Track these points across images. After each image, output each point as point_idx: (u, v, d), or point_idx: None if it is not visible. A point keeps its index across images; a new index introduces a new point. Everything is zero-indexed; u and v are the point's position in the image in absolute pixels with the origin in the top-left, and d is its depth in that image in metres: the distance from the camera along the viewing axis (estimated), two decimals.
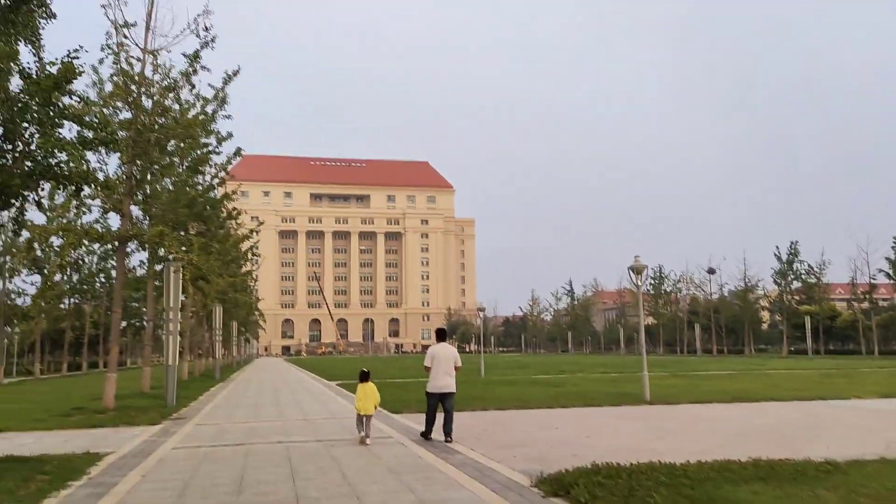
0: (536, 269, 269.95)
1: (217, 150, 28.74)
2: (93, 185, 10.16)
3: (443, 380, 11.98)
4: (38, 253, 34.12)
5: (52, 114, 8.81)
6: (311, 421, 16.12)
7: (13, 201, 9.26)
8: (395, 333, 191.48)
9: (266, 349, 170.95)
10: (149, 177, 20.34)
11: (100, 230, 17.96)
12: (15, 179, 8.67)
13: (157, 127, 17.91)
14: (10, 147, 8.86)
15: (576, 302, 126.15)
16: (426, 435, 12.15)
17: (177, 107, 19.41)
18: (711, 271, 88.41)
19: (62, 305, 55.48)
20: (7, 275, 34.53)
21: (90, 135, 9.55)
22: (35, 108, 8.57)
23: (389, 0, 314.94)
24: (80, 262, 51.57)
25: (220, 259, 26.81)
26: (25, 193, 9.25)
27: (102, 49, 17.13)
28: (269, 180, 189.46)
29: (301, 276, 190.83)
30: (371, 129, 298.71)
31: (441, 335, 12.64)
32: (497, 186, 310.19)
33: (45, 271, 34.90)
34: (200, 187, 30.10)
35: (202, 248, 19.65)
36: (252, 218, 34.37)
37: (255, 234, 26.92)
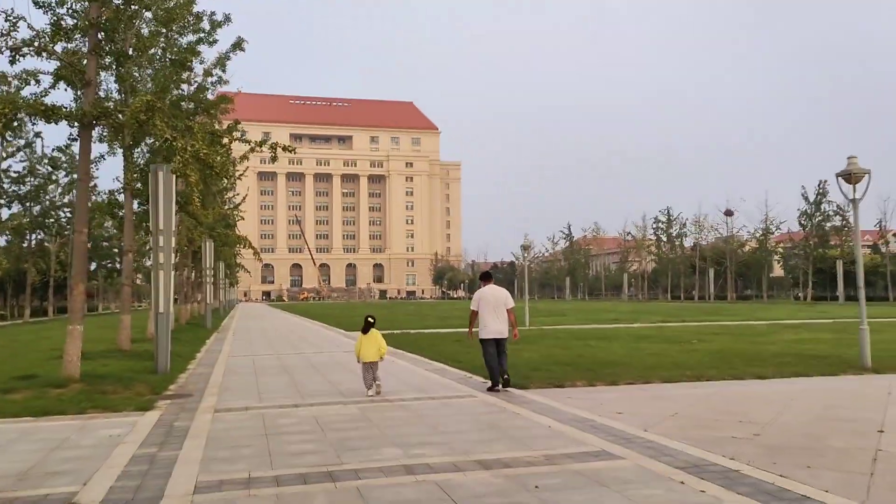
0: (527, 216, 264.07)
1: (210, 36, 22.19)
2: None
3: (496, 324, 10.96)
4: None
5: None
6: (387, 393, 10.10)
7: None
8: (379, 279, 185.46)
9: (245, 294, 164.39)
10: (128, 48, 13.68)
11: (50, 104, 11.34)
12: None
13: None
14: None
15: (575, 246, 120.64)
16: (494, 387, 10.89)
17: None
18: (729, 213, 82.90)
19: (24, 244, 48.50)
20: None
21: None
22: None
23: None
24: (41, 191, 44.43)
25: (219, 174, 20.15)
26: None
27: None
28: (245, 119, 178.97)
29: (281, 220, 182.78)
30: (352, 67, 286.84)
31: (487, 277, 11.63)
32: (484, 129, 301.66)
33: None
34: (187, 88, 23.51)
35: (208, 137, 13.17)
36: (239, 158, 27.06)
37: (261, 149, 19.89)
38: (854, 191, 12.94)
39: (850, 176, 12.84)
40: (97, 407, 9.97)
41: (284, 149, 14.37)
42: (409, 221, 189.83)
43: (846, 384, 11.28)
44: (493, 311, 10.98)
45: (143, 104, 10.97)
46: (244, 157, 24.75)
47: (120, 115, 11.55)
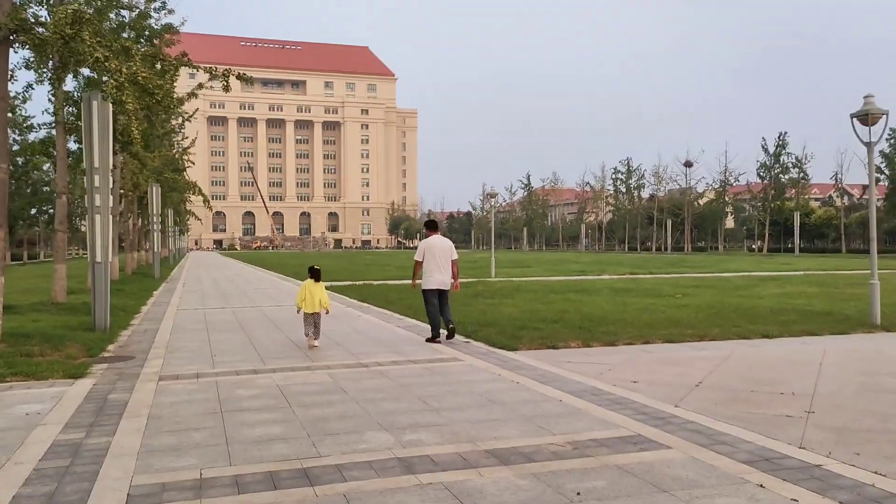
0: (484, 166, 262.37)
1: None
2: None
3: (441, 275, 10.82)
4: None
5: None
6: (359, 354, 8.83)
7: None
8: (333, 228, 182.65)
9: (196, 243, 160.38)
10: None
11: None
12: None
13: None
14: None
15: (533, 197, 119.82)
16: (434, 338, 10.84)
17: None
18: (688, 164, 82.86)
19: None
20: None
21: None
22: None
23: None
24: None
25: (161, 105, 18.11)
26: None
27: None
28: (194, 60, 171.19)
29: (233, 167, 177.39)
30: (305, 8, 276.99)
31: (433, 227, 11.30)
32: (442, 78, 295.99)
33: None
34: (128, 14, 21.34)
35: (147, 61, 11.30)
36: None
37: (211, 84, 17.86)
38: (870, 133, 11.88)
39: (867, 117, 11.76)
40: (18, 374, 8.43)
41: (239, 77, 12.64)
42: (365, 170, 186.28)
43: (865, 344, 10.38)
44: (439, 261, 10.85)
45: (70, 15, 9.14)
46: (192, 95, 22.70)
47: (42, 29, 9.66)
